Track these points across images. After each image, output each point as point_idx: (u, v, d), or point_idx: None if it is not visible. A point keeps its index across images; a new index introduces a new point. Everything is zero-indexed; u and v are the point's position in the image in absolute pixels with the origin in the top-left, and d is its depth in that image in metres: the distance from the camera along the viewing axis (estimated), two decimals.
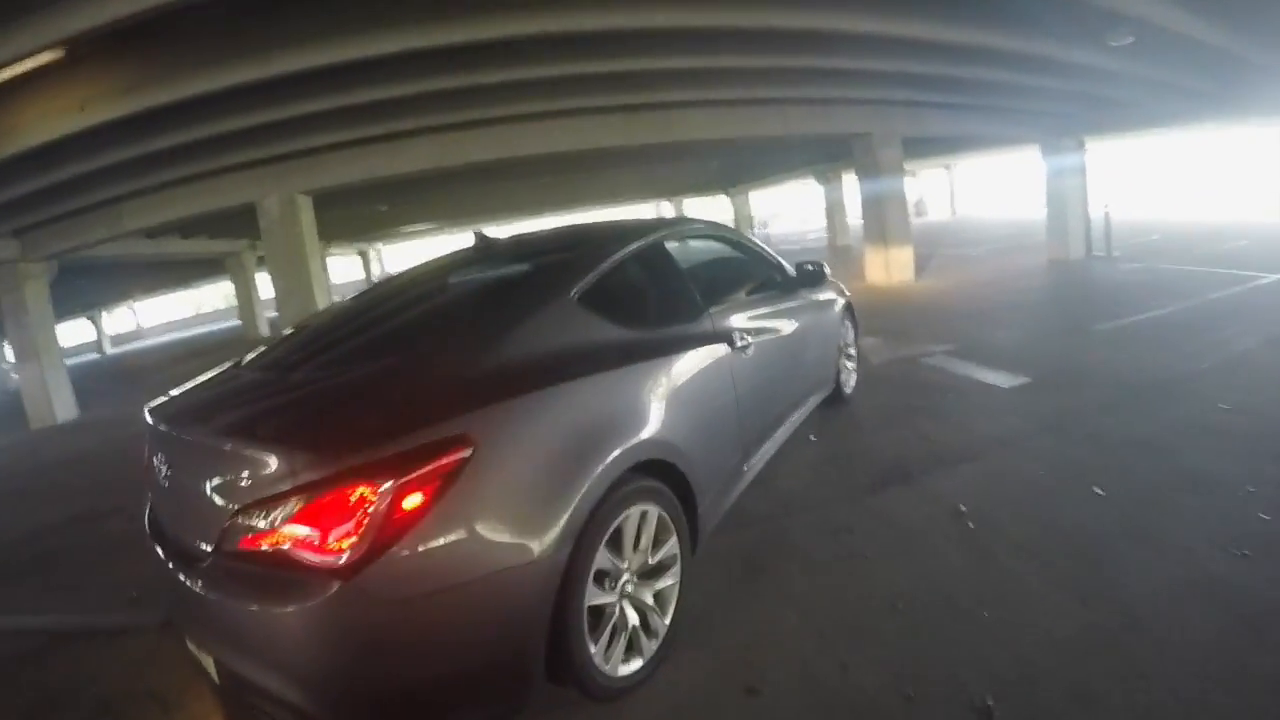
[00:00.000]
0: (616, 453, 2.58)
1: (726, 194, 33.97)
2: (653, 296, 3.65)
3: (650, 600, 2.88)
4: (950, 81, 10.77)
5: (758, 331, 4.17)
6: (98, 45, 6.18)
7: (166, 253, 18.02)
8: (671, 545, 2.97)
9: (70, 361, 16.44)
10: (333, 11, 6.34)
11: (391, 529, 2.03)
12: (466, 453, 2.14)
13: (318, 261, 12.26)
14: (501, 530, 2.18)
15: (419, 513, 2.06)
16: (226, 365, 3.27)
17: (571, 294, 2.99)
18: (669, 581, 2.98)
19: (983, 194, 40.87)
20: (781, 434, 4.55)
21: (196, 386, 3.03)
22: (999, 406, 5.97)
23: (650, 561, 2.88)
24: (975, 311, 10.45)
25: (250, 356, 3.25)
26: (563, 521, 2.30)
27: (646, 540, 2.83)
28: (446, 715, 2.21)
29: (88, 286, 24.49)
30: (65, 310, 27.20)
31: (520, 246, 3.89)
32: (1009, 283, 12.91)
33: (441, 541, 2.09)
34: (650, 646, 2.86)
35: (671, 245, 4.01)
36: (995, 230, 24.86)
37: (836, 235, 27.52)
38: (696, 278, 4.02)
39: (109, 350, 35.62)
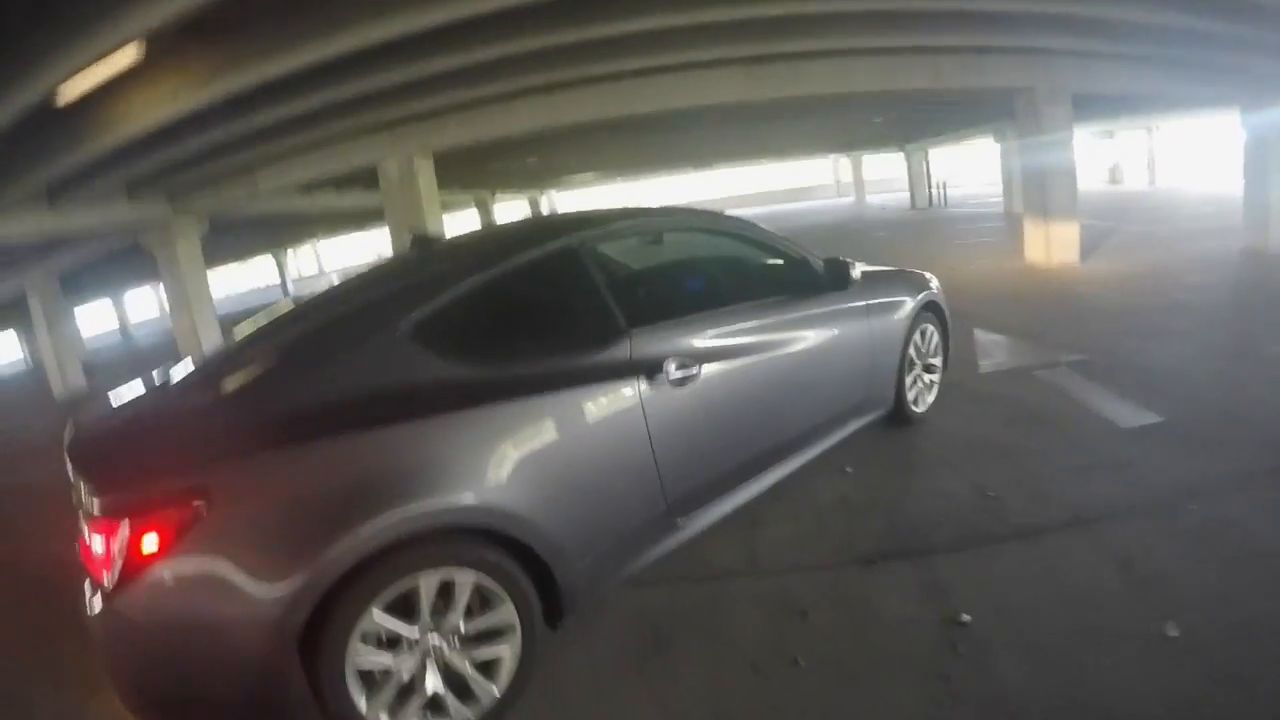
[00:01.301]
0: (386, 520, 2.36)
1: (902, 150, 32.79)
2: (535, 322, 3.27)
3: (470, 668, 2.66)
4: (1124, 27, 9.55)
5: (726, 353, 3.54)
6: (177, 40, 6.95)
7: (330, 206, 18.76)
8: (502, 614, 2.70)
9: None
10: None
11: (134, 564, 2.17)
12: (199, 504, 2.19)
13: (436, 219, 12.91)
14: (234, 581, 2.20)
15: (158, 554, 2.17)
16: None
17: (400, 328, 2.73)
18: (501, 651, 2.72)
19: (1190, 162, 34.14)
20: (781, 470, 3.90)
21: (108, 394, 3.19)
22: (1104, 457, 4.52)
23: (465, 630, 2.64)
24: (1130, 310, 8.66)
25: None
26: (299, 582, 2.23)
27: (457, 608, 2.61)
28: None
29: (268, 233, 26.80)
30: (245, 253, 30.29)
31: (444, 254, 3.60)
32: (1185, 275, 10.51)
33: (177, 581, 2.18)
34: (465, 712, 2.65)
35: (599, 249, 3.67)
36: (1191, 207, 21.21)
37: (1013, 201, 23.77)
38: (642, 289, 3.80)
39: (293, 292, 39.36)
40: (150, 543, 2.17)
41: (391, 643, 2.52)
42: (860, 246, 17.63)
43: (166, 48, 7.23)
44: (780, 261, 4.43)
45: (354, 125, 10.46)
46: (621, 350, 3.14)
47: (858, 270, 4.52)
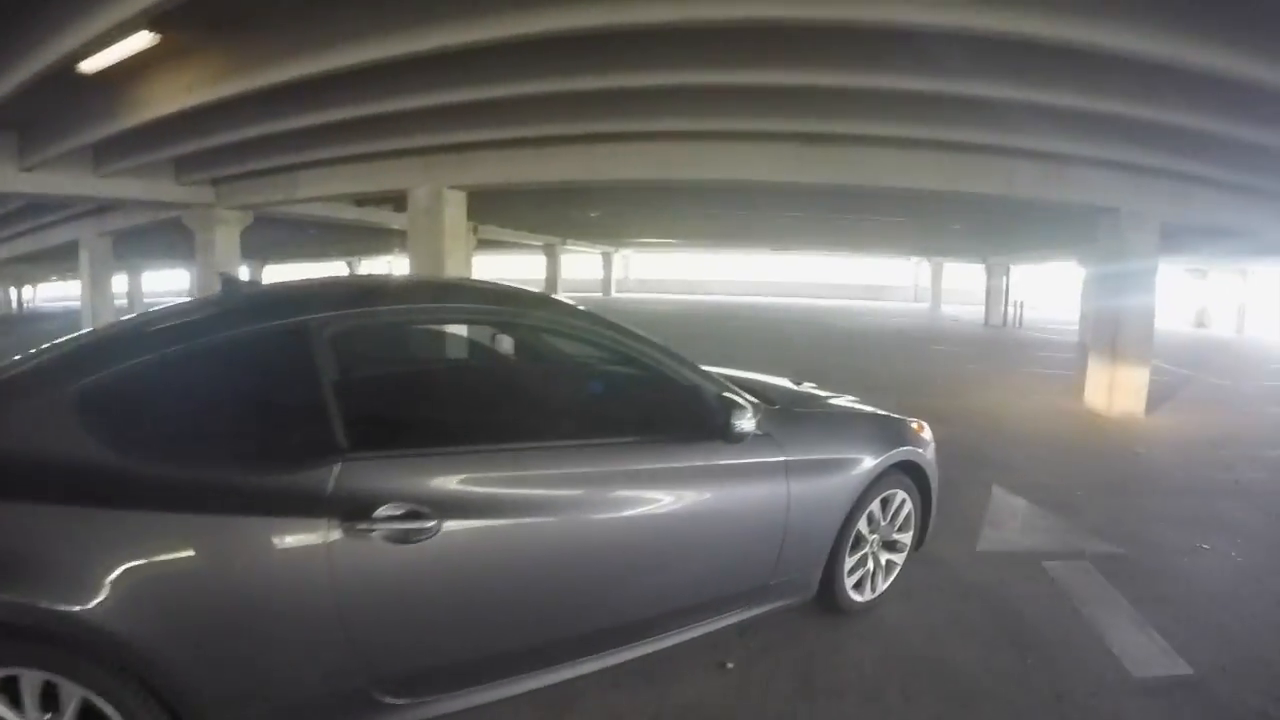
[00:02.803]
0: None
1: (984, 262, 32.10)
2: (223, 418, 2.71)
3: None
4: (1228, 148, 8.25)
5: (500, 505, 2.76)
6: (196, 35, 7.33)
7: (372, 221, 19.17)
8: None
9: None
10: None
11: None
12: None
13: (460, 256, 12.78)
14: None
15: None
16: None
17: (67, 392, 2.45)
18: None
19: None
20: (593, 662, 3.05)
21: None
22: None
23: None
24: (1190, 488, 7.04)
25: None
26: None
27: (65, 715, 2.34)
28: None
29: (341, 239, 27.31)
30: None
31: (243, 304, 3.01)
32: (1265, 448, 8.87)
33: None
34: None
35: (353, 336, 3.11)
36: None
37: (1088, 333, 21.88)
38: (403, 401, 3.25)
39: None
40: None
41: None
42: (912, 358, 17.06)
43: (186, 40, 7.49)
44: (641, 388, 3.59)
45: (387, 147, 10.49)
46: (320, 478, 2.46)
47: (753, 418, 3.26)
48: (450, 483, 2.67)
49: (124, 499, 2.30)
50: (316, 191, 13.46)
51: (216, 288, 3.13)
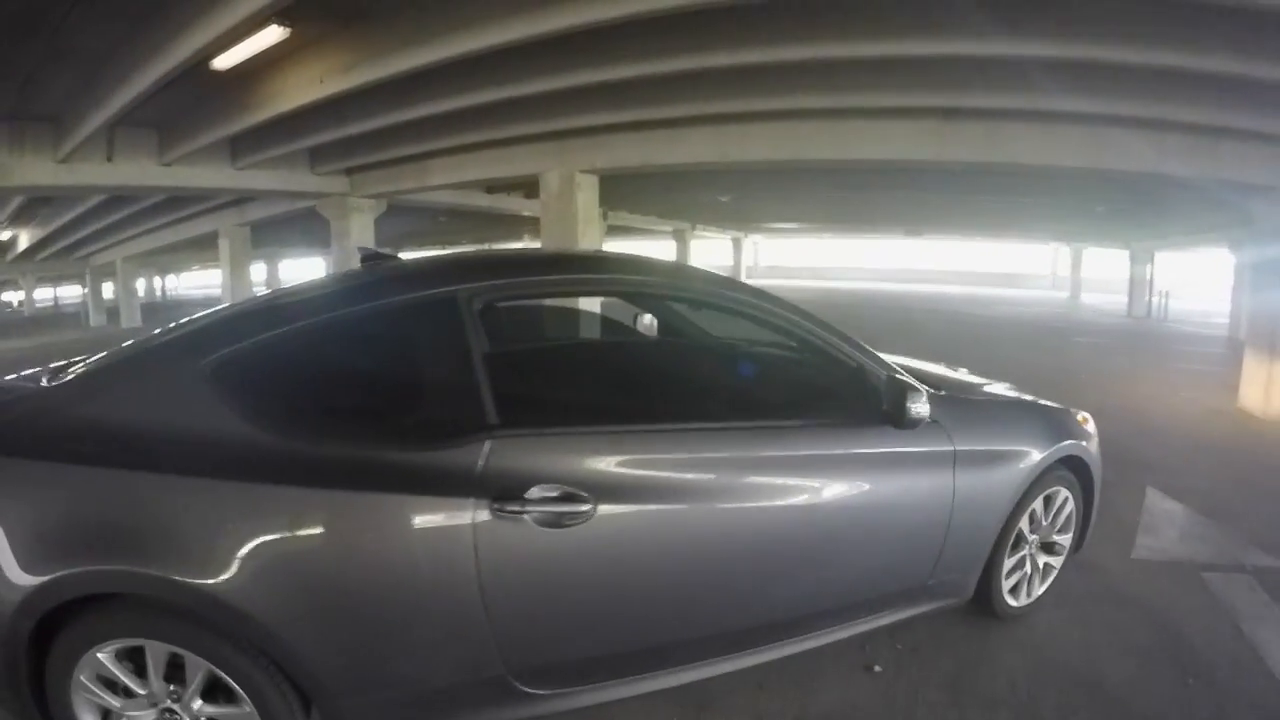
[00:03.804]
0: (106, 568, 2.29)
1: (1127, 249, 30.46)
2: (367, 391, 2.70)
3: None
4: None
5: (655, 490, 2.61)
6: (323, 28, 7.67)
7: (502, 208, 19.60)
8: (246, 715, 2.43)
9: None
10: None
11: None
12: None
13: (592, 241, 12.89)
14: None
15: None
16: None
17: (200, 366, 2.48)
18: None
19: None
20: (738, 661, 2.94)
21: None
22: None
23: (201, 712, 2.46)
24: None
25: None
26: (19, 593, 2.26)
27: (190, 687, 2.44)
28: None
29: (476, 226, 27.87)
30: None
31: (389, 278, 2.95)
32: None
33: None
34: None
35: (499, 306, 3.02)
36: None
37: (1240, 326, 18.45)
38: (552, 375, 3.11)
39: None
40: None
41: (126, 690, 2.44)
42: (1051, 349, 16.35)
43: (315, 33, 7.79)
44: (807, 370, 3.42)
45: (517, 132, 10.65)
46: (469, 455, 2.39)
47: (928, 405, 2.99)
48: (607, 464, 2.55)
49: (262, 473, 2.33)
50: (447, 179, 13.78)
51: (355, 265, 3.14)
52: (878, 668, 3.44)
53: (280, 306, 2.80)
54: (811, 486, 2.90)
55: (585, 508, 2.42)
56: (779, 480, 2.85)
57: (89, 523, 2.27)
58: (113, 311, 35.25)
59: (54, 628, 2.30)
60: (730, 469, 2.76)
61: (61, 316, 44.02)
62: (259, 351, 2.51)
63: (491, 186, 17.18)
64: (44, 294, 56.72)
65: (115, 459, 2.33)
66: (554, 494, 2.40)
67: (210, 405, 2.40)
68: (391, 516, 2.35)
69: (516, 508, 2.36)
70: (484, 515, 2.35)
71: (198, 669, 2.36)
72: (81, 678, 2.37)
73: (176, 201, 18.53)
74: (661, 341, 3.74)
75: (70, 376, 2.64)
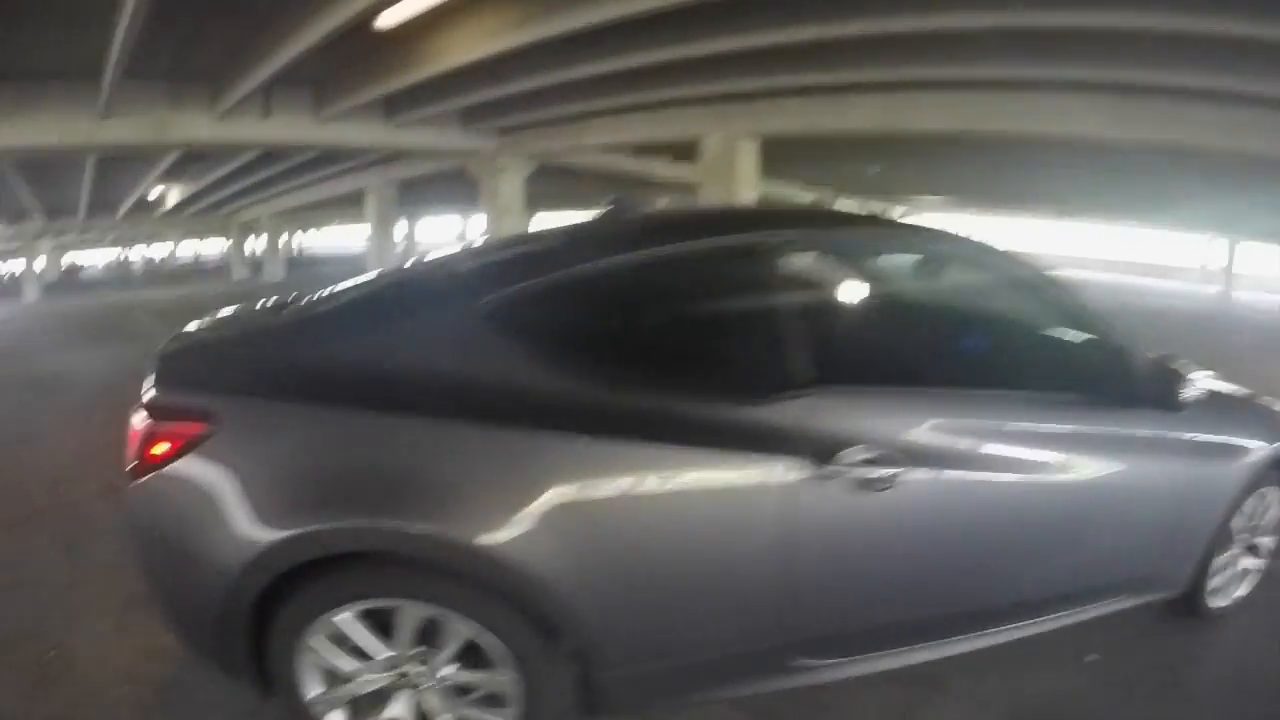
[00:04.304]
0: (376, 525, 2.13)
1: None
2: (673, 339, 2.53)
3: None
4: None
5: (950, 456, 2.48)
6: None
7: (661, 175, 19.45)
8: (504, 683, 2.28)
9: None
10: None
11: (146, 459, 2.24)
12: (204, 429, 2.18)
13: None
14: (210, 512, 2.16)
15: (160, 458, 2.22)
16: None
17: (478, 307, 2.30)
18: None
19: None
20: (983, 639, 2.79)
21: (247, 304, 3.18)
22: None
23: (452, 678, 2.32)
24: None
25: None
26: (262, 547, 2.11)
27: (444, 652, 2.28)
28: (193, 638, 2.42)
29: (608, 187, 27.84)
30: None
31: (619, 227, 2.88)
32: None
33: (170, 489, 2.22)
34: None
35: (801, 260, 2.81)
36: None
37: None
38: (840, 330, 2.87)
39: None
40: (159, 447, 2.23)
41: (360, 652, 2.30)
42: (1202, 344, 15.42)
43: None
44: (1077, 344, 3.17)
45: (679, 94, 10.65)
46: (783, 413, 2.26)
47: (1198, 387, 2.98)
48: (920, 427, 2.44)
49: (550, 420, 2.16)
50: (603, 139, 13.87)
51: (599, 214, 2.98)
52: (1090, 658, 3.29)
53: (566, 247, 2.67)
54: (1078, 463, 2.80)
55: (897, 470, 2.31)
56: (1058, 455, 2.76)
57: (350, 473, 2.15)
58: (255, 265, 36.54)
59: (288, 585, 2.16)
60: (1020, 441, 2.67)
61: (204, 270, 45.91)
62: (549, 293, 2.35)
63: (642, 149, 17.17)
64: (186, 249, 59.08)
65: (382, 402, 2.18)
66: (868, 456, 2.28)
67: (491, 347, 2.26)
68: (693, 473, 2.20)
69: (829, 469, 2.24)
70: (794, 476, 2.22)
71: (456, 634, 2.22)
72: (312, 641, 2.23)
73: (325, 159, 19.00)
74: (949, 303, 3.46)
75: (314, 313, 2.57)
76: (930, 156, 16.64)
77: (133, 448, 2.29)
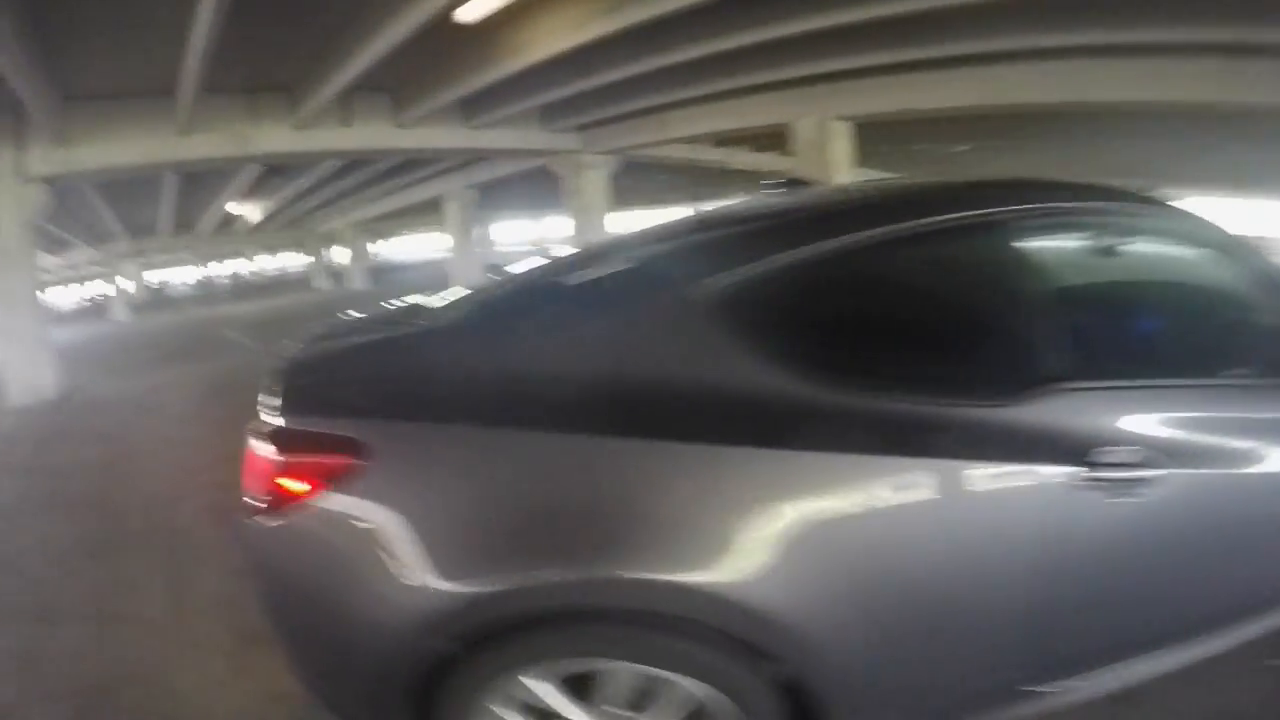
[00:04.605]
0: (586, 574, 1.75)
1: None
2: (909, 330, 2.17)
3: None
4: None
5: (1197, 452, 2.18)
6: None
7: (743, 164, 19.19)
8: None
9: None
10: None
11: (279, 495, 1.91)
12: (356, 462, 1.83)
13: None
14: (362, 563, 1.83)
15: (300, 496, 1.88)
16: None
17: (690, 295, 1.94)
18: None
19: None
20: (1203, 647, 2.42)
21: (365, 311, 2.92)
22: None
23: None
24: None
25: None
26: (434, 604, 1.76)
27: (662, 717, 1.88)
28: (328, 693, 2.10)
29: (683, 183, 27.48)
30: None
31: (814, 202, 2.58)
32: None
33: (309, 529, 1.90)
34: None
35: (1035, 239, 2.31)
36: None
37: None
38: (1070, 317, 2.30)
39: None
40: (294, 484, 1.90)
41: (544, 715, 1.91)
42: None
43: None
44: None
45: (767, 79, 10.44)
46: (1039, 413, 1.98)
47: None
48: (1181, 423, 2.19)
49: (781, 434, 1.82)
50: (686, 131, 13.66)
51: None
52: (1273, 661, 2.96)
53: (784, 225, 2.27)
54: None
55: (1160, 473, 2.03)
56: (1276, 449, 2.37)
57: (548, 512, 1.78)
58: (337, 275, 37.07)
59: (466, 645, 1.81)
60: (1255, 432, 2.34)
61: (287, 283, 46.78)
62: (777, 278, 2.00)
63: (721, 140, 16.94)
64: (265, 262, 60.49)
65: (580, 421, 1.83)
66: (1130, 458, 1.99)
67: (709, 345, 1.90)
68: (941, 487, 1.87)
69: (1093, 474, 1.95)
70: (1055, 483, 1.94)
71: (678, 697, 1.86)
72: (494, 706, 1.87)
73: (405, 166, 19.17)
74: (1198, 288, 2.96)
75: (475, 315, 2.28)
76: (1020, 133, 16.18)
77: (256, 480, 1.97)
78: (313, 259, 40.41)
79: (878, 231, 2.07)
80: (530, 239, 46.78)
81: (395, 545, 1.79)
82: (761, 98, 11.87)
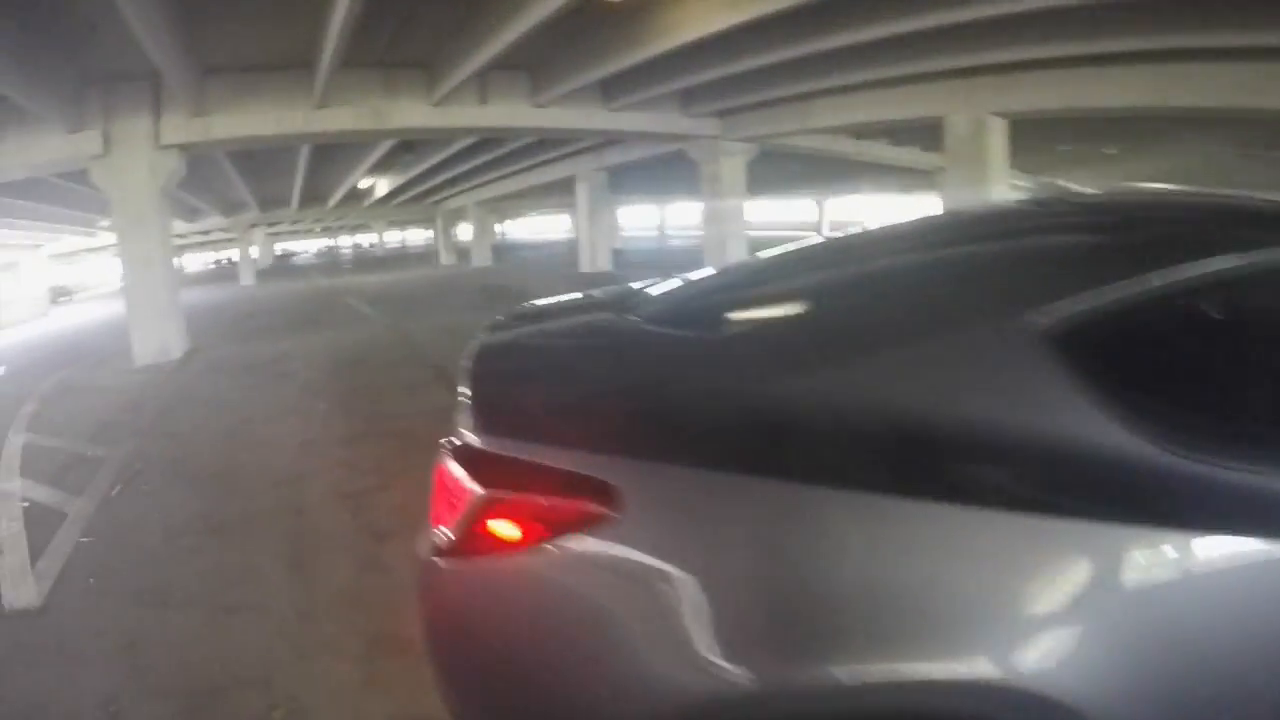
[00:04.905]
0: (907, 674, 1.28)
1: None
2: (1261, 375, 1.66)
3: None
4: None
5: None
6: None
7: (880, 158, 18.99)
8: None
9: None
10: None
11: (480, 539, 1.54)
12: (595, 508, 1.42)
13: (1002, 196, 11.57)
14: (596, 629, 1.44)
15: (512, 543, 1.51)
16: None
17: (1023, 324, 1.45)
18: None
19: None
20: None
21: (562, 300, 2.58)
22: None
23: None
24: None
25: None
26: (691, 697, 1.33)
27: None
28: None
29: (812, 174, 26.93)
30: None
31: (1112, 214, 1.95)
32: None
33: (524, 583, 1.51)
34: None
35: None
36: None
37: None
38: None
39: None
40: (506, 529, 1.52)
41: None
42: None
43: None
44: None
45: (919, 69, 10.14)
46: None
47: None
48: None
49: (1164, 508, 1.37)
50: (831, 121, 13.42)
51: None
52: None
53: (1132, 243, 1.68)
54: None
55: None
56: None
57: (867, 592, 1.34)
58: (462, 252, 37.48)
59: None
60: None
61: (409, 256, 47.52)
62: (1120, 311, 1.49)
63: (860, 133, 16.68)
64: (388, 236, 61.85)
65: (898, 482, 1.37)
66: None
67: (1051, 387, 1.42)
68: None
69: None
70: None
71: None
72: None
73: (535, 146, 19.28)
74: None
75: (731, 326, 1.85)
76: (1177, 139, 15.51)
77: (450, 511, 1.60)
78: (436, 234, 40.94)
79: (1249, 256, 1.53)
80: (655, 224, 47.15)
81: (645, 621, 1.42)
82: (910, 89, 11.56)
